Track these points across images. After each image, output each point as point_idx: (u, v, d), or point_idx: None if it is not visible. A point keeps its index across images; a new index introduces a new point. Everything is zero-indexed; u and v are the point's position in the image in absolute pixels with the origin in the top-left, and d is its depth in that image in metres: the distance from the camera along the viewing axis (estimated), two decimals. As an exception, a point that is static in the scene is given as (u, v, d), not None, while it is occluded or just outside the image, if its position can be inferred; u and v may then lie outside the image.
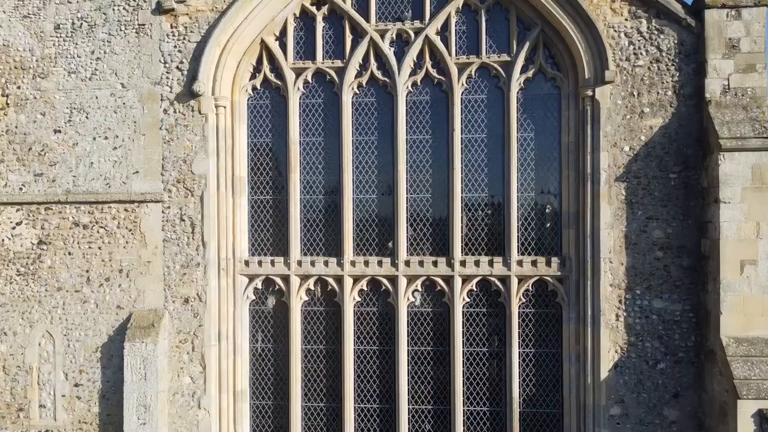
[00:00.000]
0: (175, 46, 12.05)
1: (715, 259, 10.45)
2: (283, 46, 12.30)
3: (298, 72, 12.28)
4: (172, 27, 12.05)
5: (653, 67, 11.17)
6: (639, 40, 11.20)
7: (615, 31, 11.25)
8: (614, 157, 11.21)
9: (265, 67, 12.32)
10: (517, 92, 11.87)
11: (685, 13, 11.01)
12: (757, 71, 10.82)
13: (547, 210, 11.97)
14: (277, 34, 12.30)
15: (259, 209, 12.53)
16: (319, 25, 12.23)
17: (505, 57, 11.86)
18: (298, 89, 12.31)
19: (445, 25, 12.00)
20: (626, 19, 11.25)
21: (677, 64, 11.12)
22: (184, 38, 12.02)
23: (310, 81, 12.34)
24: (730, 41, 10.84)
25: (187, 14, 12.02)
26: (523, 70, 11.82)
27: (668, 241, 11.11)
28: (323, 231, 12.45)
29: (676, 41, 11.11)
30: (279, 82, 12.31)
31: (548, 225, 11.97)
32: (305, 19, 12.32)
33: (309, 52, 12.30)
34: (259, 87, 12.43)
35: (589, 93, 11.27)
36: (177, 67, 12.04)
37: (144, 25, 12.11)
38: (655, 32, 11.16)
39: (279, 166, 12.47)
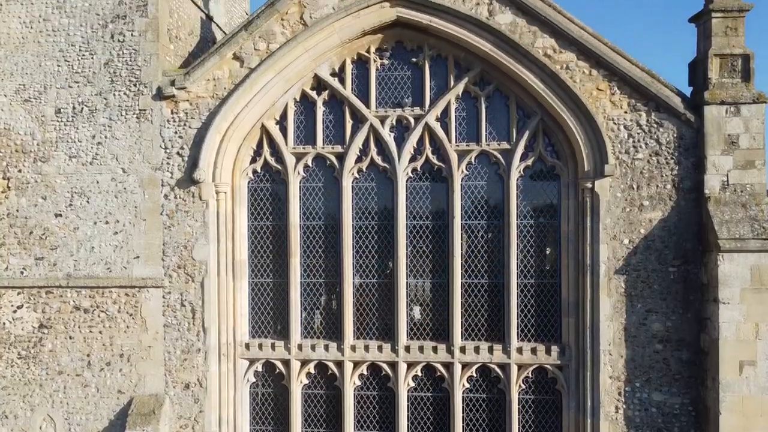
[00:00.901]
0: (176, 132, 12.08)
1: (714, 357, 10.49)
2: (284, 130, 12.33)
3: (299, 156, 12.32)
4: (172, 113, 12.09)
5: (653, 160, 11.20)
6: (638, 133, 11.23)
7: (614, 123, 11.29)
8: (614, 249, 11.24)
9: (266, 151, 12.36)
10: (517, 179, 11.91)
11: (684, 108, 11.04)
12: (756, 167, 10.85)
13: (546, 297, 11.99)
14: (278, 118, 12.34)
15: (260, 292, 12.57)
16: (320, 109, 12.26)
17: (504, 145, 11.89)
18: (299, 173, 12.34)
19: (445, 112, 12.03)
20: (626, 112, 11.28)
21: (677, 157, 11.15)
22: (185, 124, 12.06)
23: (310, 165, 12.38)
24: (730, 137, 10.87)
25: (188, 100, 12.06)
26: (523, 157, 11.86)
27: (668, 335, 11.14)
28: (323, 314, 12.50)
29: (675, 135, 11.14)
30: (279, 167, 12.34)
31: (548, 312, 11.98)
32: (305, 103, 12.36)
33: (309, 136, 12.33)
34: (259, 170, 12.47)
35: (589, 185, 11.31)
36: (178, 153, 12.07)
37: (145, 110, 12.15)
38: (655, 125, 11.19)
39: (279, 249, 12.49)
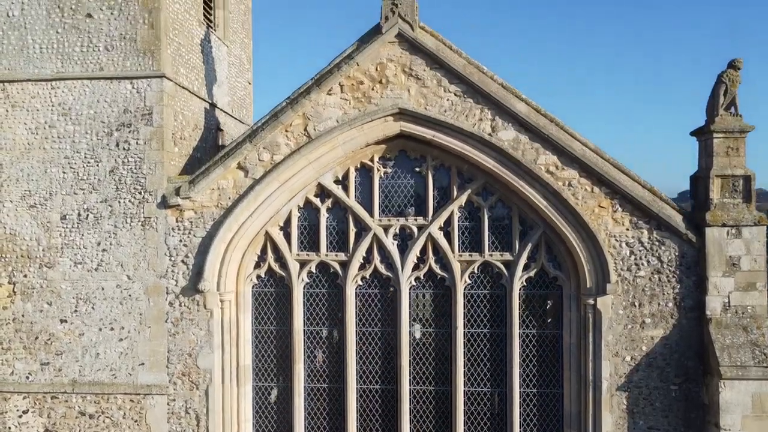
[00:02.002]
0: (181, 240, 12.16)
1: (716, 481, 10.56)
2: (287, 236, 12.41)
3: (303, 263, 12.40)
4: (177, 221, 12.17)
5: (654, 278, 11.28)
6: (640, 250, 11.31)
7: (616, 240, 11.37)
8: (616, 366, 11.32)
9: (270, 257, 12.43)
10: (519, 289, 11.98)
11: (686, 228, 11.13)
12: (758, 289, 10.93)
13: (549, 407, 12.06)
14: (281, 224, 12.42)
15: (264, 396, 12.64)
16: (323, 217, 12.34)
17: (507, 256, 11.96)
18: (302, 280, 12.42)
19: (448, 221, 12.11)
20: (627, 229, 11.36)
21: (678, 276, 11.22)
22: (190, 233, 12.14)
23: (314, 271, 12.46)
24: (731, 259, 10.95)
25: (193, 209, 12.14)
26: (525, 268, 11.93)
27: (669, 452, 11.22)
28: (327, 419, 12.56)
29: (677, 253, 11.22)
30: (283, 273, 12.42)
31: (550, 422, 12.05)
32: (309, 209, 12.44)
33: (313, 243, 12.41)
34: (263, 276, 12.55)
35: (591, 301, 11.39)
36: (182, 261, 12.15)
37: (150, 218, 12.23)
38: (657, 243, 11.27)
39: (283, 353, 12.57)
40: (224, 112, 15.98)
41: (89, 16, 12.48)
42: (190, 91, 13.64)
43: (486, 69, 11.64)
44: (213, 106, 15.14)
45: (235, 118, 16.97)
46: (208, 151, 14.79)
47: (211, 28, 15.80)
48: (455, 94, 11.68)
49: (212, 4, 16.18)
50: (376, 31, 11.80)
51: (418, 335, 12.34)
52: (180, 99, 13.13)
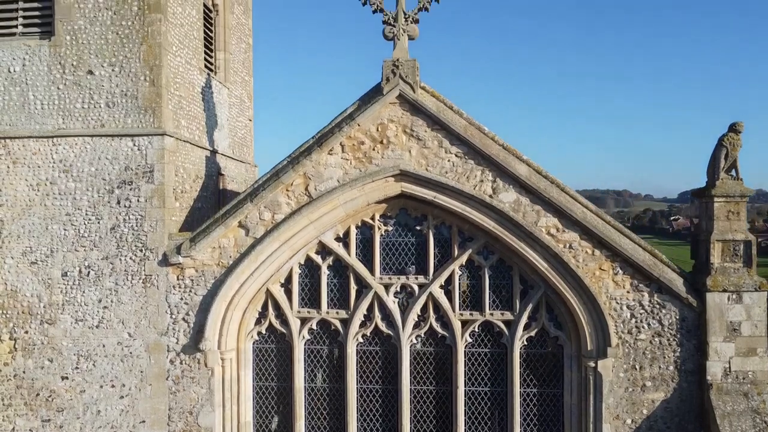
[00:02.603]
0: (182, 298, 12.17)
1: None
2: (288, 293, 12.43)
3: (303, 320, 12.41)
4: (178, 279, 12.18)
5: (655, 341, 11.29)
6: (641, 313, 11.32)
7: (617, 303, 11.38)
8: (616, 429, 11.33)
9: (271, 314, 12.44)
10: (520, 348, 11.99)
11: (686, 292, 11.14)
12: (758, 355, 10.94)
13: (549, 467, 12.09)
14: (282, 281, 12.43)
15: (265, 452, 12.66)
16: (324, 274, 12.35)
17: (508, 315, 11.98)
18: (303, 337, 12.43)
19: (449, 280, 12.12)
20: (628, 292, 11.37)
21: (679, 339, 11.24)
22: (191, 291, 12.15)
23: (314, 328, 12.46)
24: (732, 324, 10.96)
25: (194, 267, 12.15)
26: (526, 327, 11.95)
27: None
28: (328, 477, 12.57)
29: (677, 317, 11.23)
30: (284, 330, 12.43)
31: (551, 482, 12.09)
32: (310, 266, 12.45)
33: (314, 300, 12.42)
34: (264, 332, 12.56)
35: (592, 364, 11.39)
36: (183, 319, 12.16)
37: (151, 275, 12.25)
38: (657, 306, 11.28)
39: (285, 410, 12.58)
40: (225, 156, 15.98)
41: (90, 72, 12.50)
42: (191, 143, 13.66)
43: (487, 130, 11.65)
44: (214, 152, 15.15)
45: (236, 159, 16.98)
46: (209, 198, 14.81)
47: (212, 72, 15.82)
48: (456, 155, 11.69)
49: (213, 47, 16.21)
50: (377, 92, 11.81)
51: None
52: (181, 152, 13.14)
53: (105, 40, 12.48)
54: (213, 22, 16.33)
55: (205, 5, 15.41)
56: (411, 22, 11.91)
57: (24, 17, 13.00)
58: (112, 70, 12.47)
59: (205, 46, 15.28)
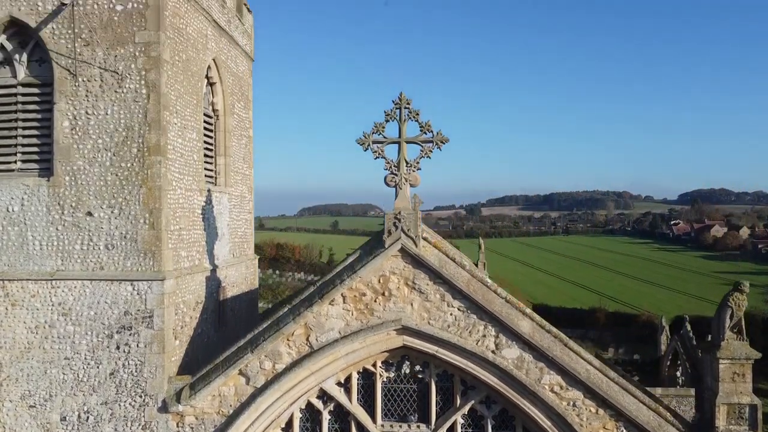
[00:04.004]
0: (182, 449, 12.08)
1: None
2: (289, 438, 12.33)
3: (305, 466, 12.32)
4: (178, 425, 12.08)
5: (659, 502, 11.19)
6: (645, 474, 11.21)
7: (620, 462, 11.27)
8: None
9: (272, 461, 12.34)
10: (523, 498, 11.90)
11: (691, 456, 11.03)
12: None
13: None
14: (283, 426, 12.32)
15: None
16: (325, 420, 12.25)
17: (511, 466, 11.88)
18: (304, 483, 12.34)
19: (452, 429, 12.01)
20: (629, 451, 11.27)
21: (683, 501, 11.13)
22: (191, 439, 12.06)
23: (316, 474, 12.37)
24: (736, 491, 10.85)
25: (194, 415, 12.05)
26: (529, 477, 11.85)
27: None
28: None
29: (682, 479, 11.12)
30: (285, 475, 12.33)
31: None
32: (311, 411, 12.35)
33: (315, 446, 12.33)
34: (265, 476, 12.45)
35: None
36: (184, 467, 12.07)
37: (150, 422, 12.15)
38: (661, 467, 11.17)
39: None
40: (225, 266, 15.87)
41: (89, 214, 12.40)
42: (191, 273, 13.55)
43: (489, 282, 11.56)
44: (215, 269, 15.04)
45: (236, 263, 16.87)
46: (210, 317, 14.71)
47: (212, 181, 15.72)
48: (459, 309, 11.58)
49: (213, 152, 16.11)
50: (378, 243, 11.72)
51: None
52: (181, 287, 13.04)
53: (104, 182, 12.38)
54: (213, 127, 16.24)
55: (205, 113, 15.32)
56: (413, 170, 11.81)
57: (23, 153, 12.90)
58: (112, 212, 12.36)
59: (205, 153, 15.14)
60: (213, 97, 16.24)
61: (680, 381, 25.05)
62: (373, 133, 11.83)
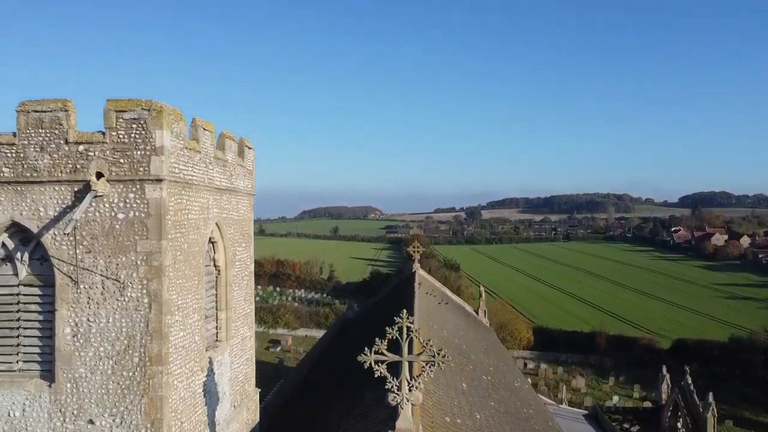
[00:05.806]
0: None
1: None
2: None
3: None
4: None
5: None
6: None
7: None
8: None
9: None
10: None
11: None
12: None
13: None
14: None
15: None
16: None
17: None
18: None
19: None
20: None
21: None
22: None
23: None
24: None
25: None
26: None
27: None
28: None
29: None
30: None
31: None
32: None
33: None
34: None
35: None
36: None
37: None
38: None
39: None
40: (226, 425, 15.88)
41: (91, 422, 12.41)
42: (192, 461, 13.58)
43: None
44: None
45: (236, 410, 16.88)
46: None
47: (213, 341, 15.71)
48: None
49: (214, 308, 16.11)
50: (380, 465, 11.69)
51: None
52: (182, 481, 13.06)
53: (106, 390, 12.39)
54: (215, 282, 16.25)
55: (207, 271, 15.30)
56: (415, 390, 11.79)
57: (24, 353, 12.90)
58: (113, 421, 12.37)
59: (206, 315, 15.14)
60: (214, 253, 16.23)
61: (681, 432, 25.15)
62: (375, 352, 11.80)
